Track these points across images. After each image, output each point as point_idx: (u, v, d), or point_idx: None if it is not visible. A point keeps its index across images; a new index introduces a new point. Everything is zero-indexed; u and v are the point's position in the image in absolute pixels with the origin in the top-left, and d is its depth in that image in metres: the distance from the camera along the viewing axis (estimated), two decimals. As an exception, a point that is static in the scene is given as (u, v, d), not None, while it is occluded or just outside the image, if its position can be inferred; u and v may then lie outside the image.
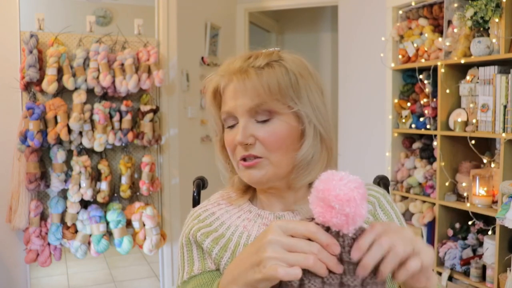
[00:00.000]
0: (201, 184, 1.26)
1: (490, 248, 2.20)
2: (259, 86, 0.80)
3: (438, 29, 2.62)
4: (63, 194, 2.73)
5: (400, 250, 0.56)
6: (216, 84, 0.86)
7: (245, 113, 0.82)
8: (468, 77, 2.42)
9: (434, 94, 2.58)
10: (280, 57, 0.84)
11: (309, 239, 0.58)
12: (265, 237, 0.59)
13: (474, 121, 2.32)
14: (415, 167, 2.72)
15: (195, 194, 1.25)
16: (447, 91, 2.47)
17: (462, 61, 2.34)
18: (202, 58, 3.57)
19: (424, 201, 2.65)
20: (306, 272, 0.58)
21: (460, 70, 2.49)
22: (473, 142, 2.35)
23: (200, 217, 0.92)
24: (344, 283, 0.58)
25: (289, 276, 0.56)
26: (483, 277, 2.28)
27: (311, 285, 0.58)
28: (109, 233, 2.79)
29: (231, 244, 0.86)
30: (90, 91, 2.71)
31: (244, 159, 0.84)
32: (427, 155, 2.70)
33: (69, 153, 2.71)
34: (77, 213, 2.70)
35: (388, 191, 1.20)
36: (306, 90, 0.83)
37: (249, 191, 0.93)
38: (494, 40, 2.19)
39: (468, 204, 2.36)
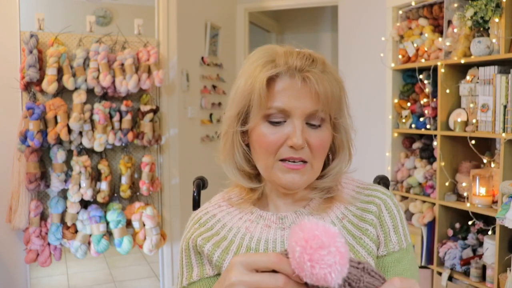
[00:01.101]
0: (201, 184, 1.26)
1: (490, 248, 2.20)
2: (322, 93, 0.79)
3: (438, 29, 2.62)
4: (63, 194, 2.73)
5: None
6: (272, 73, 0.79)
7: (302, 116, 0.80)
8: (468, 77, 2.42)
9: (434, 94, 2.58)
10: (324, 63, 0.82)
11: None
12: (228, 279, 0.55)
13: (474, 121, 2.32)
14: (415, 167, 2.72)
15: (195, 194, 1.25)
16: (447, 91, 2.47)
17: (462, 61, 2.34)
18: (202, 58, 3.57)
19: (424, 201, 2.65)
20: None
21: (460, 70, 2.49)
22: (473, 142, 2.34)
23: (201, 220, 0.92)
24: None
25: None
26: (483, 277, 2.28)
27: None
28: (109, 233, 2.79)
29: (233, 246, 0.86)
30: (90, 91, 2.71)
31: (288, 160, 0.81)
32: (427, 155, 2.70)
33: (69, 153, 2.71)
34: (77, 213, 2.70)
35: (387, 189, 1.20)
36: (344, 102, 0.85)
37: (255, 191, 0.91)
38: (494, 40, 2.19)
39: (468, 204, 2.36)
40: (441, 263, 2.51)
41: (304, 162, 0.81)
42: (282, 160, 0.81)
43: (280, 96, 0.79)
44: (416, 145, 2.78)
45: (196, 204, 1.25)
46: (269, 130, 0.81)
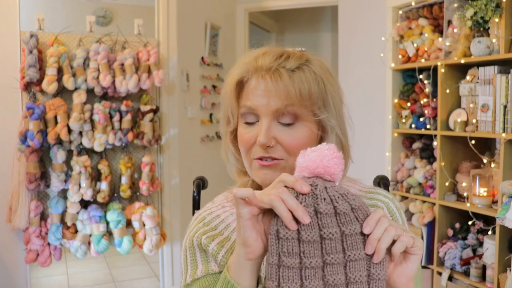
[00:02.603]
0: (201, 184, 1.26)
1: (490, 248, 2.20)
2: (291, 89, 0.78)
3: (438, 29, 2.62)
4: (63, 194, 2.73)
5: (393, 230, 0.64)
6: (242, 76, 0.83)
7: (270, 114, 0.80)
8: (468, 77, 2.42)
9: (434, 94, 2.58)
10: (307, 60, 0.82)
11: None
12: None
13: (474, 121, 2.32)
14: (415, 167, 2.72)
15: (195, 194, 1.25)
16: (447, 91, 2.47)
17: (462, 61, 2.34)
18: (202, 58, 3.57)
19: (424, 201, 2.65)
20: (272, 225, 0.64)
21: (460, 70, 2.49)
22: (473, 142, 2.34)
23: (204, 220, 0.91)
24: (303, 239, 0.62)
25: (240, 192, 0.63)
26: (483, 277, 2.28)
27: (271, 237, 0.63)
28: (109, 233, 2.79)
29: None
30: (90, 91, 2.71)
31: (260, 159, 0.82)
32: (427, 155, 2.70)
33: (69, 153, 2.71)
34: (77, 213, 2.70)
35: (388, 191, 1.20)
36: (332, 97, 0.83)
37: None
38: (494, 40, 2.19)
39: (468, 204, 2.36)
40: (441, 263, 2.51)
41: (277, 159, 0.81)
42: (258, 159, 0.83)
43: (249, 95, 0.82)
44: (416, 145, 2.78)
45: (196, 204, 1.25)
46: (244, 130, 0.84)
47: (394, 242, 0.65)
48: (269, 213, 0.66)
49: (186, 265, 0.90)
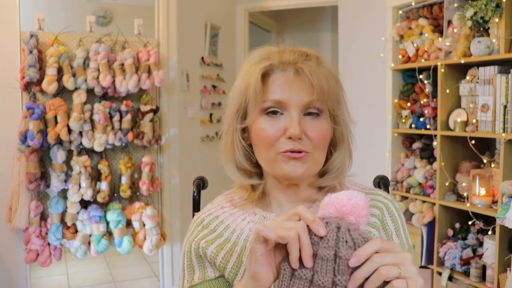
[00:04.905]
0: (201, 184, 1.26)
1: (490, 248, 2.20)
2: (317, 84, 0.80)
3: (438, 29, 2.62)
4: (63, 194, 2.73)
5: (383, 272, 0.58)
6: (267, 69, 0.82)
7: (299, 107, 0.81)
8: (468, 77, 2.42)
9: (434, 94, 2.58)
10: (319, 59, 0.85)
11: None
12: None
13: (474, 121, 2.32)
14: (415, 167, 2.72)
15: (195, 194, 1.25)
16: (447, 91, 2.47)
17: (462, 61, 2.34)
18: (202, 58, 3.57)
19: (424, 201, 2.65)
20: (286, 261, 0.62)
21: (460, 70, 2.49)
22: (473, 142, 2.34)
23: (203, 222, 0.91)
24: (314, 283, 0.60)
25: (265, 232, 0.60)
26: (483, 277, 2.28)
27: (285, 273, 0.62)
28: (109, 233, 2.79)
29: (237, 247, 0.86)
30: (90, 91, 2.71)
31: (289, 151, 0.82)
32: (427, 155, 2.70)
33: (69, 153, 2.71)
34: (77, 213, 2.70)
35: (388, 191, 1.20)
36: (342, 97, 0.86)
37: (256, 190, 0.91)
38: (494, 40, 2.19)
39: (468, 204, 2.36)
40: (441, 263, 2.51)
41: (306, 152, 0.82)
42: (283, 152, 0.82)
43: (275, 88, 0.82)
44: (416, 145, 2.78)
45: (196, 204, 1.25)
46: (267, 124, 0.82)
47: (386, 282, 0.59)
48: (281, 245, 0.63)
49: (183, 269, 0.91)
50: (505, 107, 2.15)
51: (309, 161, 0.83)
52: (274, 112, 0.82)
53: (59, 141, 2.63)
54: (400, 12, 2.82)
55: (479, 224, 2.38)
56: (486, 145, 2.52)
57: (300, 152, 0.81)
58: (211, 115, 3.72)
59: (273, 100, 0.81)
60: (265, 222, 0.64)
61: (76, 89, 2.67)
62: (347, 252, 0.59)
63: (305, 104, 0.81)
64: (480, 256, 2.32)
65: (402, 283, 0.58)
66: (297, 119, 0.80)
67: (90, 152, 2.77)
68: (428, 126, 2.60)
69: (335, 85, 0.84)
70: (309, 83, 0.80)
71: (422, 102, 2.66)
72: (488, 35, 2.26)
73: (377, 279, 0.58)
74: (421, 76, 2.66)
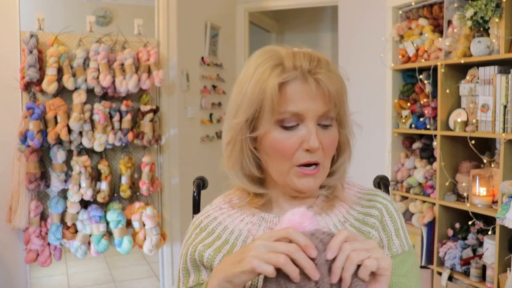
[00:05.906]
0: (201, 184, 1.26)
1: (490, 248, 2.20)
2: (333, 92, 0.79)
3: (438, 29, 2.62)
4: (63, 194, 2.73)
5: (355, 257, 0.63)
6: (285, 78, 0.78)
7: (315, 118, 0.80)
8: (468, 77, 2.42)
9: (434, 94, 2.58)
10: (328, 62, 0.83)
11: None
12: (254, 241, 0.67)
13: (474, 121, 2.32)
14: (415, 167, 2.72)
15: (195, 194, 1.25)
16: (447, 91, 2.47)
17: (462, 61, 2.34)
18: (202, 58, 3.57)
19: (424, 201, 2.65)
20: (284, 276, 0.64)
21: (460, 70, 2.49)
22: (473, 142, 2.34)
23: (201, 224, 0.91)
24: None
25: (261, 269, 0.63)
26: (483, 277, 2.28)
27: None
28: (109, 233, 2.79)
29: (236, 249, 0.85)
30: (90, 91, 2.71)
31: (304, 165, 0.81)
32: (427, 155, 2.70)
33: (69, 153, 2.71)
34: (77, 213, 2.70)
35: (388, 191, 1.20)
36: (346, 98, 0.86)
37: (262, 197, 0.90)
38: (494, 40, 2.19)
39: (468, 204, 2.36)
40: (441, 263, 2.51)
41: (318, 164, 0.82)
42: (303, 165, 0.81)
43: (293, 100, 0.78)
44: (416, 145, 2.78)
45: (196, 204, 1.25)
46: (283, 135, 0.80)
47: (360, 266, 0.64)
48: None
49: (179, 272, 0.91)
50: (505, 107, 2.15)
51: (320, 174, 0.83)
52: (291, 123, 0.80)
53: (59, 141, 2.63)
54: (400, 12, 2.82)
55: (479, 224, 2.38)
56: (486, 145, 2.52)
57: (316, 164, 0.81)
58: (211, 115, 3.72)
59: (291, 112, 0.78)
60: (255, 241, 0.66)
61: (76, 89, 2.67)
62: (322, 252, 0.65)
63: (321, 114, 0.80)
64: (480, 256, 2.32)
65: (373, 261, 0.63)
66: (315, 131, 0.79)
67: (90, 152, 2.77)
68: (428, 126, 2.60)
69: (344, 90, 0.84)
70: (328, 93, 0.79)
71: (422, 102, 2.66)
72: (488, 35, 2.26)
73: (350, 264, 0.63)
74: (421, 76, 2.66)
